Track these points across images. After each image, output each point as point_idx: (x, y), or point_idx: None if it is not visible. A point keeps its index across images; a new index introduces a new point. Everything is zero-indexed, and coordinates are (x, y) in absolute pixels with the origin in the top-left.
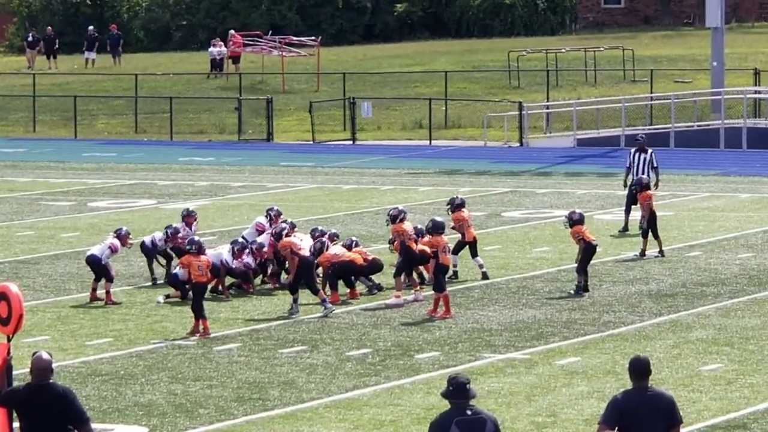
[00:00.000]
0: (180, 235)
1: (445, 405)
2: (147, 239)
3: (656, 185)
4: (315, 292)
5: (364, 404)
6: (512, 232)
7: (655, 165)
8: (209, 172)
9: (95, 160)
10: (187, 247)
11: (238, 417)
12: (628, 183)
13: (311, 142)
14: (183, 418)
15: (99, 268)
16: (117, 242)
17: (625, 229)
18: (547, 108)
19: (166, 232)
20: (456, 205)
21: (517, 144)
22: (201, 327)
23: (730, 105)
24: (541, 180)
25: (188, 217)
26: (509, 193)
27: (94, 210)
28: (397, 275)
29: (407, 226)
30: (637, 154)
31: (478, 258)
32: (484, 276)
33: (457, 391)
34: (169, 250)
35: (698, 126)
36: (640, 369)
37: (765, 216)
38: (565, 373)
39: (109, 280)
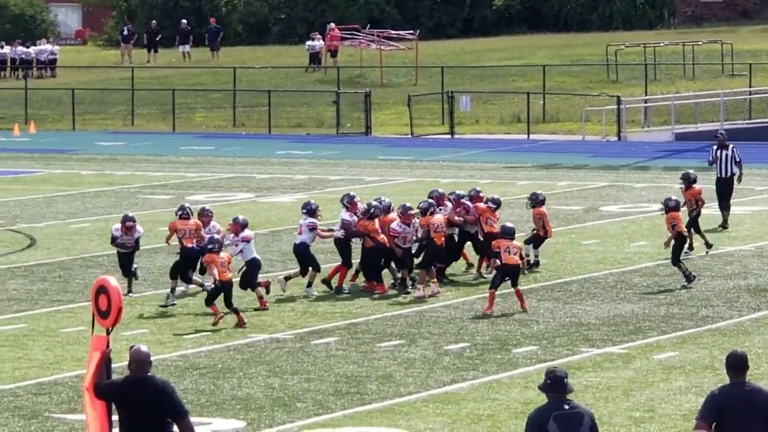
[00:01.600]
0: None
1: (542, 399)
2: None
3: (740, 179)
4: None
5: (461, 398)
6: (610, 226)
7: (738, 159)
8: (307, 166)
9: (193, 153)
10: (209, 246)
11: (335, 411)
12: (717, 176)
13: (409, 136)
14: (281, 412)
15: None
16: (314, 219)
17: (724, 225)
18: (646, 102)
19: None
20: (538, 201)
21: (615, 138)
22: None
23: None
24: (639, 174)
25: (203, 216)
26: (607, 188)
27: (192, 203)
28: (423, 267)
29: (437, 218)
30: (719, 151)
31: (538, 250)
32: (534, 263)
33: (555, 384)
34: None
35: None
36: (737, 364)
37: None
38: (663, 367)
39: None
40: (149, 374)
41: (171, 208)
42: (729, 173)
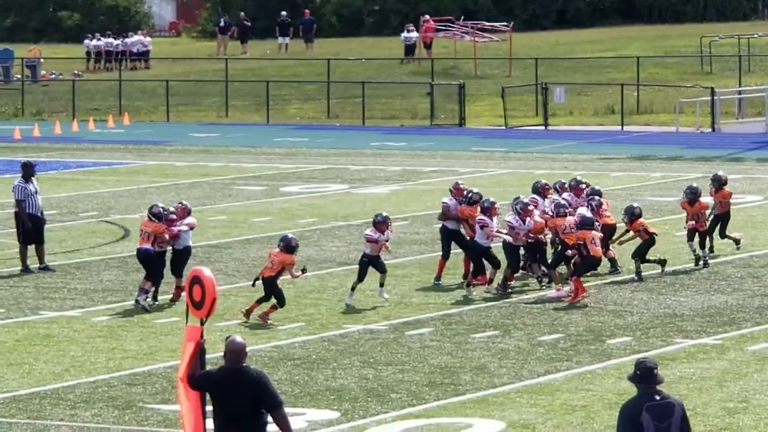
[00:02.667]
0: None
1: (636, 391)
2: None
3: None
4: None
5: (555, 389)
6: None
7: None
8: (401, 157)
9: (287, 145)
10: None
11: (429, 401)
12: None
13: (503, 127)
14: (374, 403)
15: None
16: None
17: None
18: (740, 93)
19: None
20: (722, 183)
21: (709, 129)
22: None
23: None
24: (733, 165)
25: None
26: (701, 179)
27: (286, 195)
28: (552, 268)
29: (568, 220)
30: None
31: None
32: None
33: (645, 375)
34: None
35: None
36: None
37: None
38: (757, 358)
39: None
40: (244, 365)
41: (265, 200)
42: None
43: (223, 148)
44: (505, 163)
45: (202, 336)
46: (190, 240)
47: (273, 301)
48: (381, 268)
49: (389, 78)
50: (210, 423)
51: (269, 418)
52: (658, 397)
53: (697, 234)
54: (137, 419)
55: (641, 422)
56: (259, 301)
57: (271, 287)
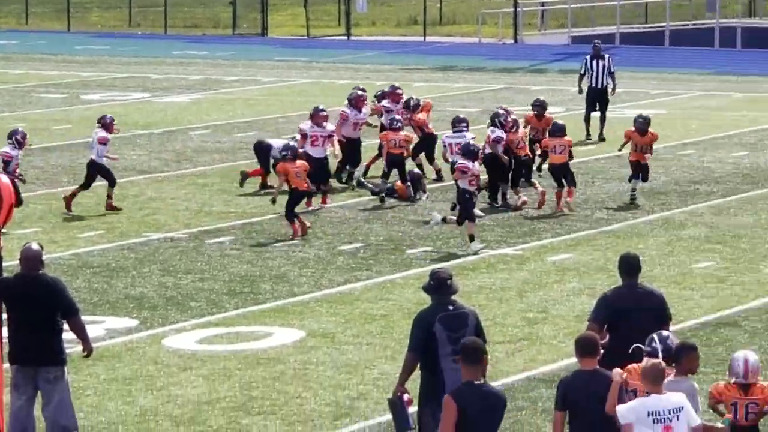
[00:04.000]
0: None
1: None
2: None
3: (613, 91)
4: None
5: (355, 299)
6: None
7: (612, 71)
8: (203, 66)
9: (88, 53)
10: (282, 153)
11: (229, 310)
12: (584, 89)
13: (306, 37)
14: (174, 311)
15: (102, 172)
16: (104, 133)
17: (588, 136)
18: (542, 5)
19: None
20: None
21: (512, 41)
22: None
23: (725, 4)
24: (536, 77)
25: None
26: (503, 90)
27: (87, 103)
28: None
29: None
30: (594, 61)
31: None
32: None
33: (439, 285)
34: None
35: (693, 25)
36: (630, 266)
37: (758, 115)
38: (557, 269)
39: (112, 183)
40: (41, 272)
41: (66, 107)
42: (603, 84)
43: (23, 56)
44: (307, 73)
45: None
46: None
47: None
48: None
49: None
50: (5, 331)
51: (66, 326)
52: (451, 308)
53: (641, 168)
54: None
55: (434, 333)
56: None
57: None
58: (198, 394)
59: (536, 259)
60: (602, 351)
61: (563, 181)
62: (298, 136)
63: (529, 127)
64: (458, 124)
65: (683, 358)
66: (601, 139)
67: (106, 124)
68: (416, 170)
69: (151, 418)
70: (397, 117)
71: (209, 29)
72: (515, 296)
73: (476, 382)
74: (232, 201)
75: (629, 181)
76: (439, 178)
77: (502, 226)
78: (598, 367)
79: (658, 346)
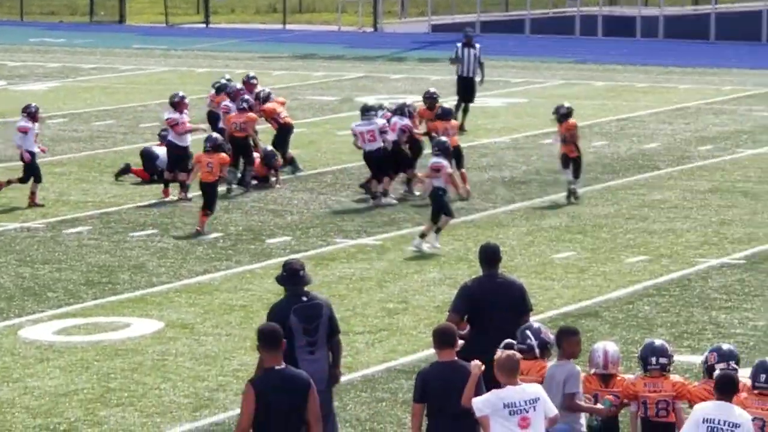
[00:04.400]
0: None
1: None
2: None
3: (481, 81)
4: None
5: (215, 289)
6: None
7: (481, 61)
8: (60, 54)
9: None
10: (205, 145)
11: (87, 300)
12: (459, 74)
13: (164, 25)
14: (31, 302)
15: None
16: (25, 123)
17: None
18: None
19: None
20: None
21: (372, 29)
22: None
23: None
24: (395, 65)
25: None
26: (363, 78)
27: None
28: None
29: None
30: (465, 49)
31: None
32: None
33: (291, 276)
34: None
35: (554, 13)
36: (489, 256)
37: (619, 104)
38: (417, 259)
39: (37, 179)
40: None
41: None
42: (472, 73)
43: None
44: (166, 61)
45: None
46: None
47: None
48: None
49: None
50: None
51: None
52: (305, 299)
53: (571, 162)
54: None
55: (289, 325)
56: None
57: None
58: (55, 385)
59: (396, 249)
60: (462, 341)
61: (456, 163)
62: (165, 124)
63: (423, 121)
64: (367, 112)
65: (564, 342)
66: (462, 130)
67: (31, 113)
68: (270, 147)
69: (7, 410)
70: (246, 97)
71: (67, 16)
72: (375, 286)
73: (277, 367)
74: (90, 190)
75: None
76: (291, 164)
77: (362, 215)
78: (456, 358)
79: (534, 342)
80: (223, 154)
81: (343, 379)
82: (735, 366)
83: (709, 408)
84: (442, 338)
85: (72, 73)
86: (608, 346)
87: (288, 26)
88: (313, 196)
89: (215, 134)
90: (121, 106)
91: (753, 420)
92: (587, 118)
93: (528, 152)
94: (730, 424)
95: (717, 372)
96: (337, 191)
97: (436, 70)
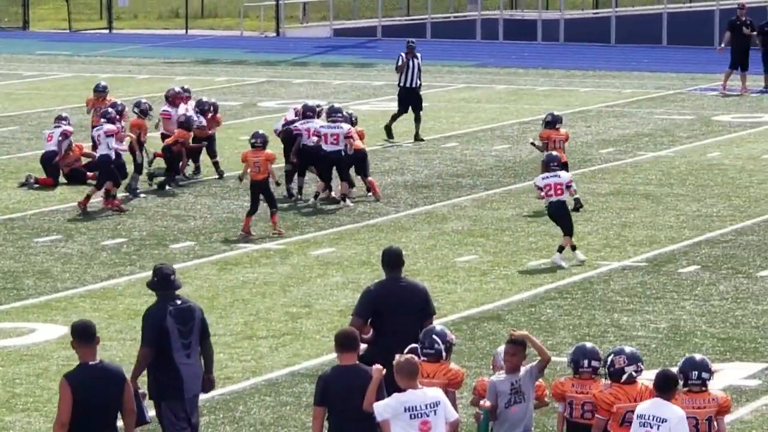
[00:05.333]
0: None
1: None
2: None
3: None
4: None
5: (119, 294)
6: (268, 121)
7: (420, 70)
8: None
9: None
10: (251, 141)
11: None
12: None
13: (68, 31)
14: None
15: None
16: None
17: (390, 135)
18: None
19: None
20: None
21: (274, 34)
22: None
23: None
24: (298, 70)
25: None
26: (265, 83)
27: None
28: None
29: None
30: (410, 59)
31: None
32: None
33: (163, 281)
34: None
35: (455, 17)
36: (392, 260)
37: (520, 108)
38: (320, 263)
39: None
40: None
41: None
42: (416, 83)
43: None
44: (69, 67)
45: None
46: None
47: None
48: None
49: None
50: None
51: None
52: (179, 302)
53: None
54: None
55: (166, 327)
56: (249, 215)
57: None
58: None
59: (299, 253)
60: (366, 345)
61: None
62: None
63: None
64: (333, 114)
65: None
66: (419, 139)
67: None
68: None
69: None
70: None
71: None
72: (279, 291)
73: (91, 363)
74: None
75: None
76: (197, 170)
77: (265, 220)
78: (357, 362)
79: (441, 346)
80: (269, 151)
81: (247, 383)
82: (642, 368)
83: (647, 405)
84: (343, 342)
85: None
86: None
87: (190, 31)
88: (216, 201)
89: (261, 130)
90: (25, 111)
91: (687, 419)
92: (488, 122)
93: (430, 156)
94: (658, 419)
95: (626, 375)
96: (240, 196)
97: (338, 75)
